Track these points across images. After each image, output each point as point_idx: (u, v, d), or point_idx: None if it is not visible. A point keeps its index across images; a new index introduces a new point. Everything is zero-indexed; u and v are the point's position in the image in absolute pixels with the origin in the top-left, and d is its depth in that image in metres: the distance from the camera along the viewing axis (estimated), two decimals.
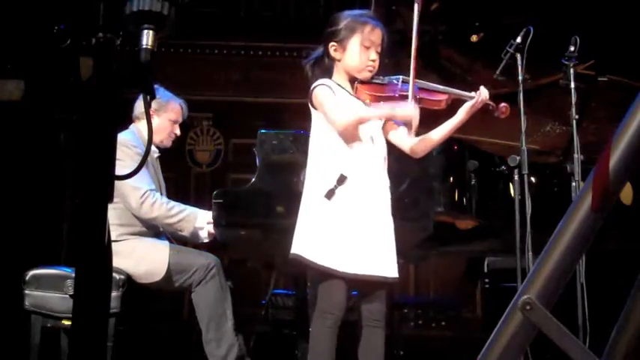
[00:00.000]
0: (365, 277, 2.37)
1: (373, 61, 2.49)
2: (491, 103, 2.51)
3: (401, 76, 2.51)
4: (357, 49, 2.48)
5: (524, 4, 3.45)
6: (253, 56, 6.18)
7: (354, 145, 2.44)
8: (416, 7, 2.46)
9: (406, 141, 2.54)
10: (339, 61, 2.52)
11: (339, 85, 2.52)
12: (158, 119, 3.36)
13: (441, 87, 2.53)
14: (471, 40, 3.45)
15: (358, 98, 2.51)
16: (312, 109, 2.51)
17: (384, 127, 2.56)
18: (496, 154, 3.23)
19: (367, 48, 2.47)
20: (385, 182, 2.51)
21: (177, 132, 3.45)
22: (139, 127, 3.34)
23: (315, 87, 2.48)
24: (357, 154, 2.44)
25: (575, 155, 2.95)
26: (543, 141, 3.82)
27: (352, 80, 2.53)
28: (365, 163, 2.45)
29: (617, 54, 3.48)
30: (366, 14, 2.55)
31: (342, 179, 2.39)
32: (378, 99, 2.49)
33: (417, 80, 2.49)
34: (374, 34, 2.49)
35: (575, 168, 2.94)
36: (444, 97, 2.48)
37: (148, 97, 1.38)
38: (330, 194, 2.38)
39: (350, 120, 2.39)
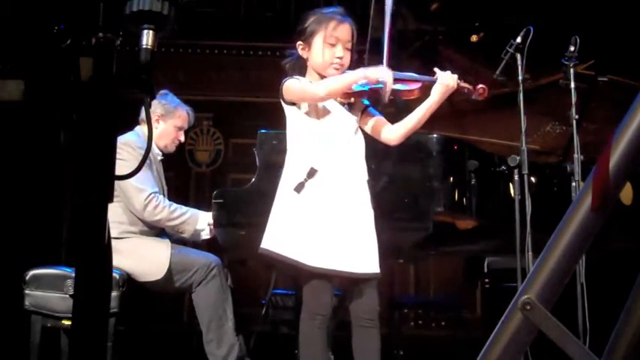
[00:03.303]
0: (338, 274, 2.33)
1: (340, 57, 2.46)
2: (466, 85, 2.50)
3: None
4: (321, 46, 2.45)
5: (524, 4, 3.45)
6: (253, 56, 6.18)
7: (326, 138, 2.42)
8: None
9: (383, 129, 2.52)
10: (307, 59, 2.51)
11: (310, 82, 2.49)
12: (164, 124, 3.39)
13: (414, 75, 2.50)
14: (471, 40, 3.45)
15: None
16: (284, 105, 2.50)
17: (360, 120, 2.54)
18: (496, 154, 3.22)
19: (332, 45, 2.45)
20: (361, 176, 2.46)
21: (182, 138, 3.47)
22: (145, 129, 3.35)
23: (283, 82, 2.47)
24: (330, 148, 2.42)
25: (575, 155, 2.94)
26: (543, 141, 3.82)
27: (323, 78, 2.50)
28: (338, 157, 2.42)
29: (617, 54, 3.48)
30: (334, 11, 2.51)
31: (312, 172, 2.36)
32: (348, 95, 2.46)
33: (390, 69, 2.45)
34: (339, 30, 2.45)
35: (575, 168, 2.93)
36: (416, 85, 2.45)
37: (148, 97, 1.37)
38: (299, 187, 2.36)
39: (327, 86, 2.37)
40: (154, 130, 3.36)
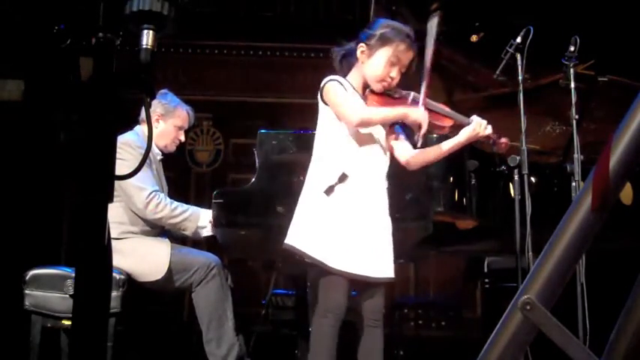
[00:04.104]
0: (358, 277, 2.37)
1: (392, 78, 2.49)
2: (493, 136, 2.53)
3: (412, 93, 2.52)
4: (383, 62, 2.47)
5: (524, 4, 3.45)
6: (253, 56, 6.18)
7: (360, 145, 2.46)
8: (436, 19, 2.49)
9: (403, 152, 2.57)
10: (361, 63, 2.52)
11: (351, 85, 2.52)
12: (164, 124, 3.39)
13: (449, 111, 2.54)
14: (471, 40, 3.45)
15: (365, 104, 2.52)
16: (321, 103, 2.50)
17: (387, 133, 2.57)
18: (496, 154, 3.22)
19: (393, 64, 2.47)
20: (384, 185, 2.51)
21: (182, 138, 3.47)
22: (144, 129, 3.34)
23: (326, 82, 2.47)
24: (362, 155, 2.45)
25: (575, 155, 2.94)
26: (543, 141, 3.82)
27: (364, 87, 2.54)
28: (368, 165, 2.47)
29: (617, 54, 3.48)
30: (407, 32, 2.51)
31: (343, 177, 2.40)
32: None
33: (428, 100, 2.50)
34: (405, 54, 2.48)
35: (575, 168, 2.93)
36: (449, 122, 2.51)
37: (148, 97, 1.37)
38: (329, 190, 2.38)
39: (363, 116, 2.41)
40: (154, 130, 3.36)
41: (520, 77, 2.93)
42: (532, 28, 2.89)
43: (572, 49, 2.96)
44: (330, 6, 6.17)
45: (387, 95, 2.53)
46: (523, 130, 2.91)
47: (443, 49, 3.53)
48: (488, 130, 2.50)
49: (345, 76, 2.55)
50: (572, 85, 2.97)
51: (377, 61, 2.48)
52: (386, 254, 2.43)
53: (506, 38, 2.97)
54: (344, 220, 2.37)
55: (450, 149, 2.52)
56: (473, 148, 3.15)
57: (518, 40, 2.92)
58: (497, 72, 2.97)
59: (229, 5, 6.07)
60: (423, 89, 2.47)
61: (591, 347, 1.07)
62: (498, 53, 2.97)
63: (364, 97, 2.53)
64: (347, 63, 2.56)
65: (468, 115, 2.55)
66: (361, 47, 2.51)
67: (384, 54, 2.47)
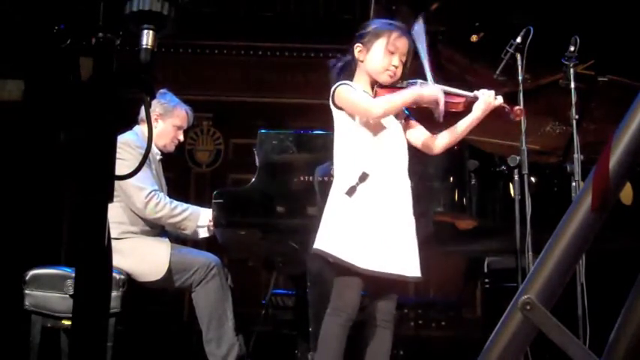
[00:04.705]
0: (385, 275, 2.37)
1: (395, 66, 2.51)
2: (506, 105, 2.53)
3: (419, 80, 2.53)
4: (381, 52, 2.50)
5: (524, 4, 3.45)
6: (253, 56, 6.18)
7: (376, 143, 2.46)
8: (421, 23, 2.53)
9: (424, 138, 2.57)
10: (362, 62, 2.54)
11: (359, 87, 2.53)
12: (163, 124, 3.38)
13: (456, 90, 2.54)
14: (471, 40, 3.45)
15: None
16: (333, 109, 2.52)
17: (403, 127, 2.57)
18: (496, 154, 3.22)
19: (391, 53, 2.50)
20: (406, 181, 2.51)
21: (181, 138, 3.47)
22: (144, 129, 3.35)
23: (336, 87, 2.49)
24: (380, 152, 2.46)
25: (575, 155, 2.94)
26: (543, 141, 3.82)
27: (373, 85, 2.55)
28: (387, 162, 2.47)
29: (617, 54, 3.48)
30: (396, 24, 2.58)
31: (364, 177, 2.40)
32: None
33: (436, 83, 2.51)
34: (400, 41, 2.51)
35: (575, 168, 2.93)
36: (461, 99, 2.50)
37: (148, 97, 1.37)
38: (351, 191, 2.39)
39: (383, 105, 2.42)
40: (153, 130, 3.36)
41: (520, 77, 2.93)
42: (532, 28, 2.89)
43: (572, 49, 2.96)
44: (330, 6, 6.18)
45: (396, 87, 2.54)
46: (523, 130, 2.91)
47: (443, 49, 3.54)
48: (499, 99, 2.49)
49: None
50: (572, 85, 2.97)
51: (376, 53, 2.51)
52: (412, 252, 2.43)
53: (506, 38, 2.97)
54: (370, 219, 2.37)
55: (470, 126, 2.50)
56: (473, 148, 3.16)
57: (518, 40, 2.92)
58: (497, 72, 2.97)
59: (229, 5, 6.07)
60: (428, 69, 2.48)
61: (591, 347, 1.07)
62: (498, 53, 2.97)
63: (374, 95, 2.54)
64: (348, 71, 2.58)
65: None
66: (357, 47, 2.54)
67: (380, 44, 2.51)
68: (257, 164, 2.99)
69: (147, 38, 1.34)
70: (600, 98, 3.55)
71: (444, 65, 3.54)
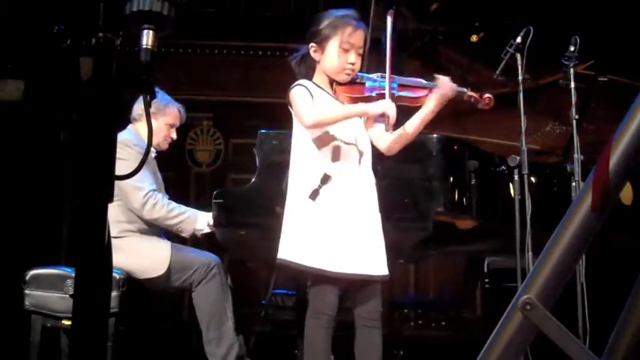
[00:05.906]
0: (354, 277, 2.35)
1: (352, 64, 2.45)
2: (473, 94, 2.49)
3: (380, 74, 2.47)
4: (336, 52, 2.44)
5: (524, 4, 3.45)
6: (253, 56, 6.18)
7: (336, 143, 2.41)
8: (389, 18, 2.45)
9: (381, 139, 2.50)
10: (318, 62, 2.49)
11: (318, 86, 2.49)
12: (155, 122, 3.37)
13: (420, 81, 2.48)
14: (471, 40, 3.45)
15: (337, 99, 2.49)
16: (291, 110, 2.48)
17: (365, 125, 2.53)
18: (496, 154, 3.22)
19: (346, 50, 2.43)
20: (370, 179, 2.47)
21: (174, 136, 3.47)
22: (137, 127, 3.35)
23: (292, 87, 2.45)
24: (340, 152, 2.41)
25: (575, 155, 2.94)
26: (543, 141, 3.82)
27: (332, 83, 2.50)
28: (348, 162, 2.42)
29: (617, 54, 3.48)
30: (348, 15, 2.48)
31: (325, 178, 2.36)
32: (355, 100, 2.45)
33: (396, 76, 2.44)
34: (354, 36, 2.43)
35: (575, 168, 2.93)
36: (424, 92, 2.44)
37: (148, 97, 1.37)
38: (314, 195, 2.35)
39: (316, 117, 2.35)
40: (145, 128, 3.36)
41: (520, 77, 2.93)
42: (532, 28, 2.89)
43: (572, 49, 2.96)
44: (330, 6, 6.16)
45: (355, 84, 2.48)
46: (523, 130, 2.91)
47: (443, 49, 3.54)
48: (457, 88, 2.42)
49: (311, 79, 2.52)
50: (572, 85, 2.97)
51: (330, 54, 2.44)
52: (377, 251, 2.40)
53: (506, 38, 2.97)
54: (334, 222, 2.34)
55: (424, 120, 2.42)
56: (473, 148, 3.16)
57: (518, 40, 2.92)
58: (497, 72, 2.97)
59: (229, 5, 6.07)
60: (387, 77, 2.39)
61: (591, 347, 1.07)
62: (498, 53, 2.97)
63: (334, 92, 2.49)
64: (308, 66, 2.53)
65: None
66: (312, 47, 2.48)
67: (334, 45, 2.43)
68: (257, 164, 2.99)
69: (147, 38, 1.34)
70: (600, 98, 3.55)
71: (444, 65, 3.55)
